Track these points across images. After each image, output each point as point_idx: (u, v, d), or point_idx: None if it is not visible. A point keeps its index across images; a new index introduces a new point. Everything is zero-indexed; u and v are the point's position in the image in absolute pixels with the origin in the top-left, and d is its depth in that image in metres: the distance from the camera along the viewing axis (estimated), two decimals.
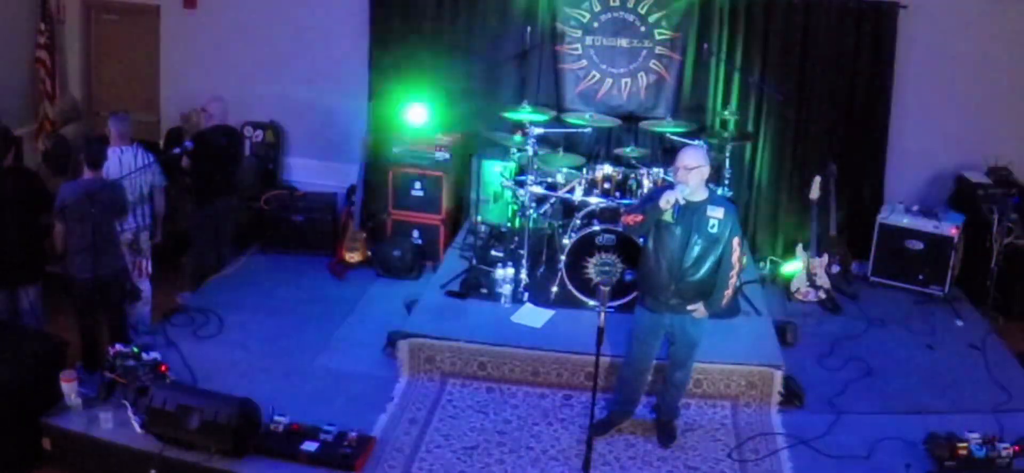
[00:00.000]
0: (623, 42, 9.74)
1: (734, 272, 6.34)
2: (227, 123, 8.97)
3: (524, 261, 8.33)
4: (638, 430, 6.97)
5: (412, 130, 9.75)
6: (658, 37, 9.70)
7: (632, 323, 6.72)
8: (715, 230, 6.25)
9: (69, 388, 6.65)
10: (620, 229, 7.57)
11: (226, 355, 7.68)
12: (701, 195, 6.31)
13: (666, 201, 6.19)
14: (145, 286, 8.31)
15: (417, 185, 9.64)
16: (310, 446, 6.45)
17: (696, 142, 8.11)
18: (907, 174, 9.84)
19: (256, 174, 10.57)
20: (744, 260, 6.48)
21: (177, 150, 8.51)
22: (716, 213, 6.25)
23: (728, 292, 6.37)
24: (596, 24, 9.78)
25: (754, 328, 7.95)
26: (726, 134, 9.03)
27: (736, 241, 6.29)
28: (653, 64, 9.72)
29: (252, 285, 9.16)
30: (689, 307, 6.42)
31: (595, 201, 8.15)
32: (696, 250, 6.27)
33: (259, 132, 10.77)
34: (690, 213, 6.26)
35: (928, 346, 8.38)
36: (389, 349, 7.79)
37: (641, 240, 6.89)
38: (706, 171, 6.29)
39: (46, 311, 7.82)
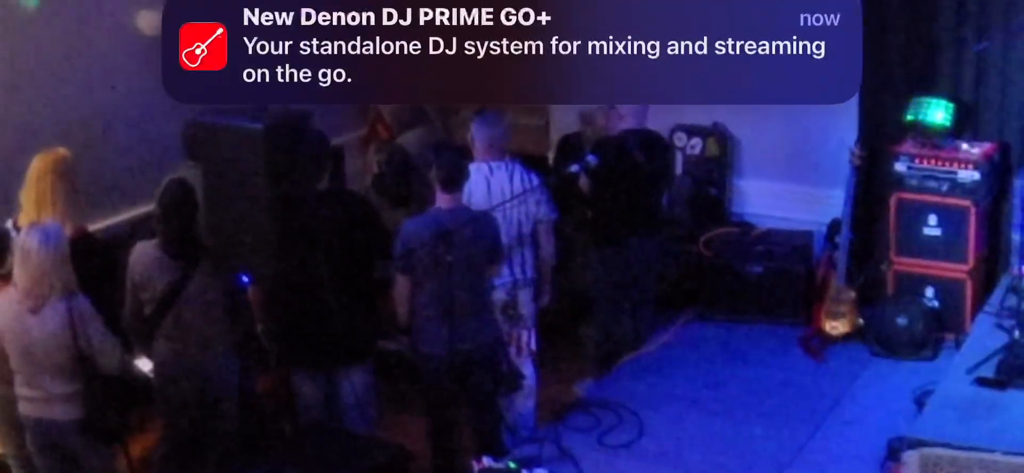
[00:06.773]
0: None
1: None
2: (647, 127, 8.00)
3: None
4: None
5: (927, 137, 8.57)
6: None
7: None
8: None
9: None
10: None
11: (648, 471, 6.99)
12: None
13: None
14: (528, 369, 7.51)
15: (932, 219, 8.54)
16: None
17: None
18: None
19: (692, 203, 9.45)
20: None
21: (574, 167, 7.75)
22: None
23: None
24: None
25: None
26: None
27: None
28: None
29: (686, 368, 8.21)
30: None
31: None
32: None
33: (696, 141, 9.59)
34: None
35: None
36: (892, 463, 6.97)
37: None
38: None
39: (380, 405, 7.31)
